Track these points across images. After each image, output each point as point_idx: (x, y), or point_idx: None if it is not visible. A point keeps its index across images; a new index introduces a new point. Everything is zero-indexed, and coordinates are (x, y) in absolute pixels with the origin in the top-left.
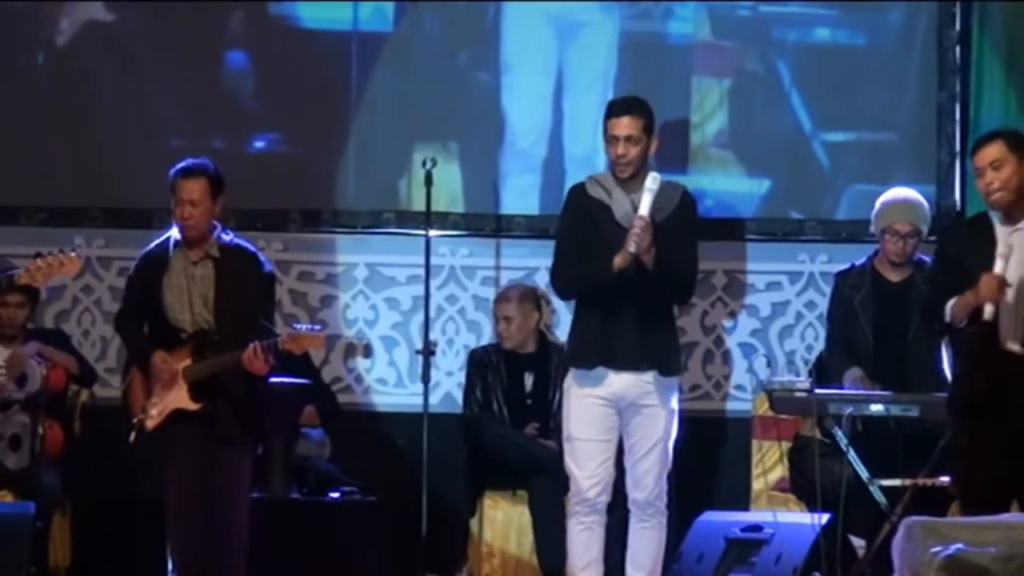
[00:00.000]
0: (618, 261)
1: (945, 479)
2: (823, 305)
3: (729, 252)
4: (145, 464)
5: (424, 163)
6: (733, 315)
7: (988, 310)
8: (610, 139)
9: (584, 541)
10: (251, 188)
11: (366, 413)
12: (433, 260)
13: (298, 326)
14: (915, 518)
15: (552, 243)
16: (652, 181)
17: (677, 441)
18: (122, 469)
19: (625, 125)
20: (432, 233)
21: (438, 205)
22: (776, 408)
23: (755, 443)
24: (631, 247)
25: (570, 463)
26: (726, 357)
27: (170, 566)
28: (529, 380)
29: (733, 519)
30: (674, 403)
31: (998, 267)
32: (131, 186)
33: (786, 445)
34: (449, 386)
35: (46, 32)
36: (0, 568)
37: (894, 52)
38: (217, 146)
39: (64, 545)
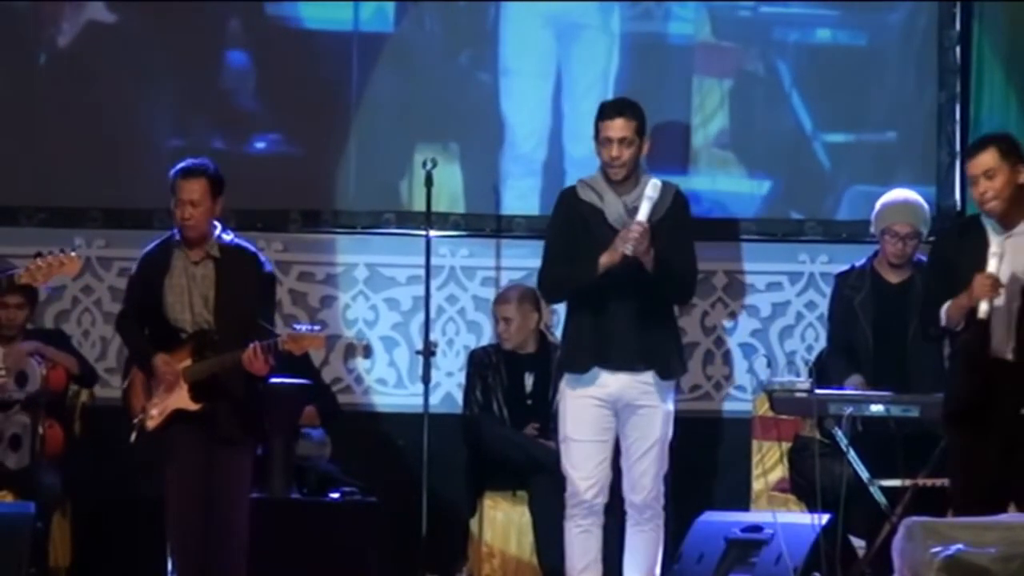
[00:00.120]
0: (604, 260)
1: (945, 480)
2: (823, 305)
3: (729, 252)
4: (145, 464)
5: (424, 164)
6: (733, 315)
7: (983, 308)
8: (603, 141)
9: (582, 543)
10: (251, 188)
11: (366, 413)
12: (433, 260)
13: (298, 327)
14: (915, 518)
15: None
16: (652, 189)
17: (672, 442)
18: (122, 469)
19: (619, 127)
20: (432, 233)
21: (439, 206)
22: (776, 408)
23: (755, 443)
24: (628, 249)
25: (566, 464)
26: (726, 357)
27: (170, 566)
28: (529, 380)
29: (733, 519)
30: (670, 404)
31: (991, 266)
32: (131, 186)
33: (786, 445)
34: (449, 386)
35: (47, 32)
36: (0, 568)
37: (894, 53)
38: (217, 146)
39: (64, 545)
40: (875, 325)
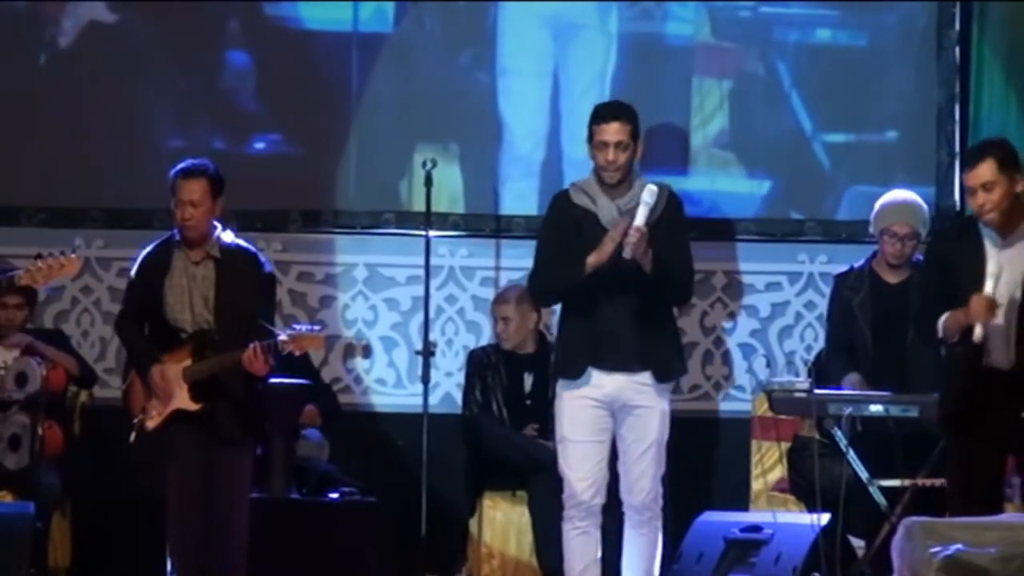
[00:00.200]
0: (592, 260)
1: (944, 480)
2: (823, 306)
3: (729, 253)
4: (145, 464)
5: (424, 164)
6: (733, 316)
7: (978, 332)
8: (599, 145)
9: (581, 545)
10: (251, 189)
11: (365, 414)
12: (433, 261)
13: (298, 327)
14: (914, 518)
15: None
16: (649, 194)
17: (669, 442)
18: (122, 469)
19: (615, 131)
20: (432, 234)
21: (438, 206)
22: (775, 408)
23: (754, 443)
24: (627, 253)
25: (563, 466)
26: (726, 357)
27: (170, 566)
28: (528, 381)
29: (732, 519)
30: (667, 404)
31: (988, 288)
32: (131, 187)
33: (785, 445)
34: (448, 387)
35: (48, 32)
36: (0, 568)
37: (894, 53)
38: (217, 147)
39: (64, 545)
40: (874, 325)
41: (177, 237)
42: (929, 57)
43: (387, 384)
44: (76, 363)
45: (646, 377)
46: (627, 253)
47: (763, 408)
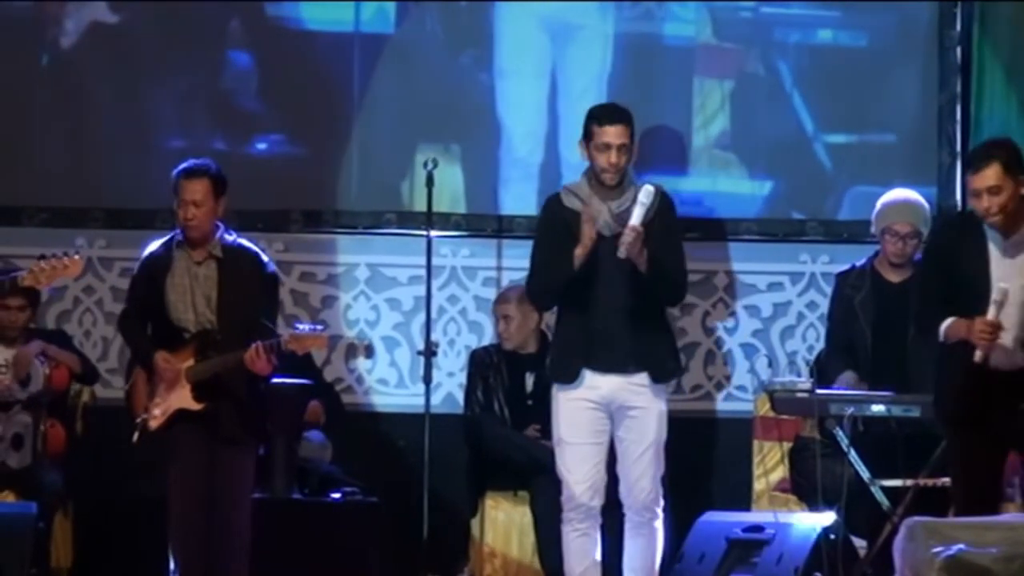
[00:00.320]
0: (578, 252)
1: (946, 480)
2: (824, 305)
3: (730, 253)
4: (147, 464)
5: (426, 164)
6: (734, 316)
7: (979, 356)
8: (600, 147)
9: (580, 547)
10: (252, 189)
11: (367, 414)
12: (434, 261)
13: (300, 326)
14: (916, 518)
15: None
16: (646, 195)
17: (669, 442)
18: (124, 469)
19: (618, 133)
20: (433, 234)
21: (440, 206)
22: (777, 409)
23: (756, 443)
24: (621, 253)
25: (562, 468)
26: (727, 357)
27: (172, 566)
28: (530, 381)
29: (734, 519)
30: (664, 404)
31: (991, 314)
32: (133, 187)
33: (787, 445)
34: (450, 387)
35: (50, 33)
36: (2, 568)
37: (895, 53)
38: (219, 147)
39: (66, 545)
40: (875, 325)
41: (180, 237)
42: (930, 57)
43: (389, 384)
44: (78, 360)
45: (642, 378)
46: (622, 252)
47: (765, 408)
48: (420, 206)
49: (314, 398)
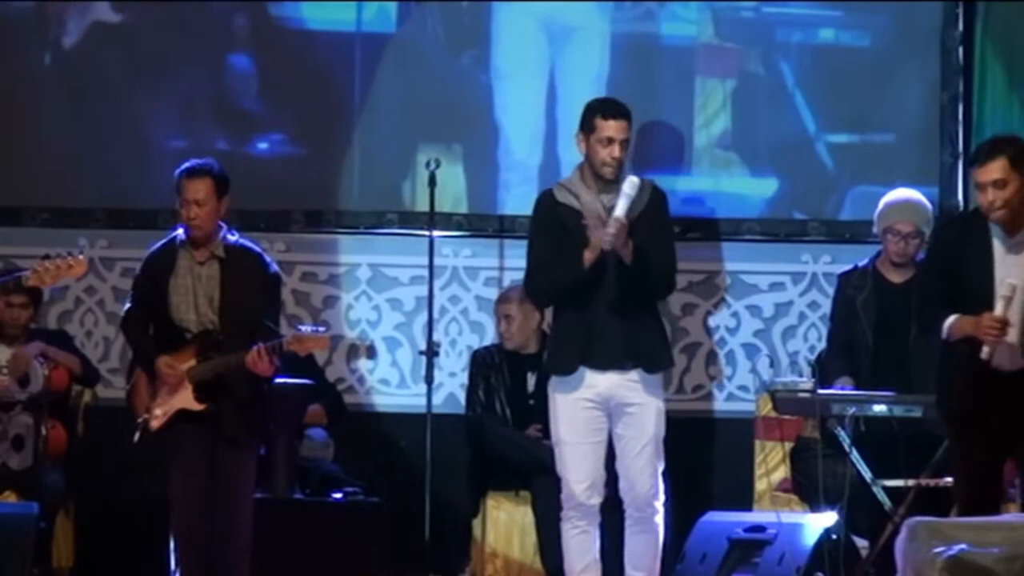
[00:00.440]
0: (588, 255)
1: (948, 480)
2: (826, 306)
3: (732, 253)
4: (149, 464)
5: (427, 164)
6: (736, 316)
7: (986, 351)
8: (604, 140)
9: (580, 544)
10: (254, 189)
11: (369, 414)
12: (436, 261)
13: (303, 327)
14: (918, 518)
15: None
16: (630, 186)
17: (671, 442)
18: (125, 469)
19: (622, 128)
20: (435, 234)
21: (442, 206)
22: (779, 409)
23: (758, 443)
24: (606, 244)
25: (561, 467)
26: (729, 357)
27: (173, 566)
28: (532, 380)
29: (736, 519)
30: (661, 400)
31: (998, 310)
32: (134, 187)
33: (789, 445)
34: (452, 387)
35: (53, 33)
36: (4, 569)
37: (897, 53)
38: (220, 147)
39: (67, 546)
40: (877, 325)
41: (182, 237)
42: (932, 57)
43: (391, 384)
44: (79, 362)
45: (638, 374)
46: (606, 244)
47: (767, 408)
48: (422, 206)
49: (316, 398)
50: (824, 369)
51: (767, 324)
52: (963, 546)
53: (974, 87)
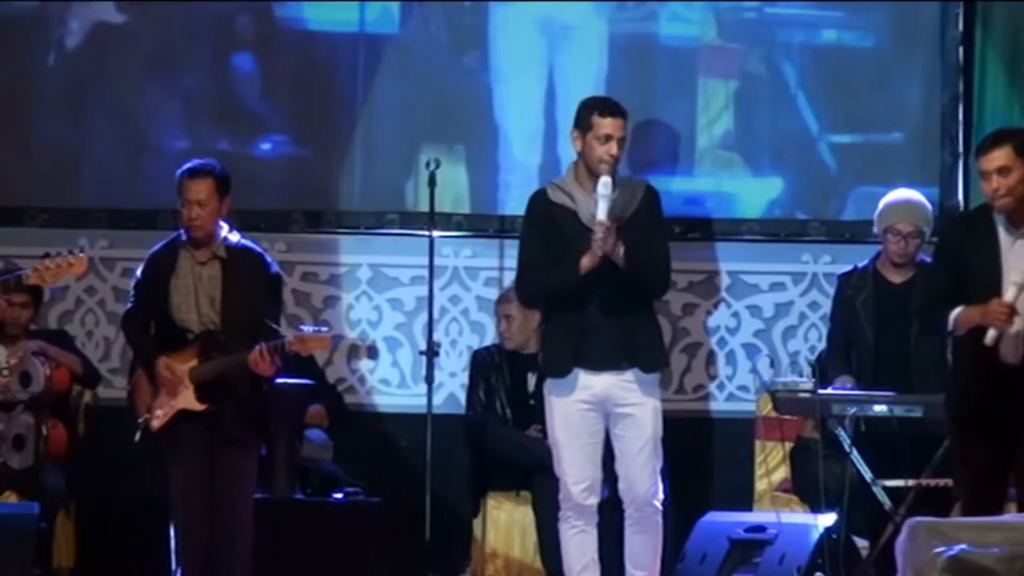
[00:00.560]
0: (585, 262)
1: (948, 480)
2: (826, 306)
3: (732, 253)
4: (150, 464)
5: (427, 164)
6: (736, 316)
7: (991, 336)
8: (601, 138)
9: (579, 545)
10: (255, 189)
11: (369, 414)
12: (436, 261)
13: (305, 327)
14: (919, 519)
15: None
16: (604, 187)
17: (672, 442)
18: (126, 470)
19: (620, 126)
20: (435, 234)
21: (444, 206)
22: (779, 409)
23: (758, 444)
24: (595, 250)
25: (558, 468)
26: (729, 358)
27: (174, 566)
28: (532, 380)
29: (736, 519)
30: (657, 399)
31: (1009, 295)
32: (135, 187)
33: (789, 446)
34: (452, 387)
35: (56, 33)
36: (4, 569)
37: (898, 53)
38: (222, 147)
39: (68, 546)
40: (877, 325)
41: (183, 237)
42: (933, 57)
43: (391, 384)
44: (80, 362)
45: (633, 374)
46: (596, 250)
47: (767, 408)
48: (424, 206)
49: (317, 399)
50: (824, 369)
51: (767, 324)
52: (963, 546)
53: (974, 87)
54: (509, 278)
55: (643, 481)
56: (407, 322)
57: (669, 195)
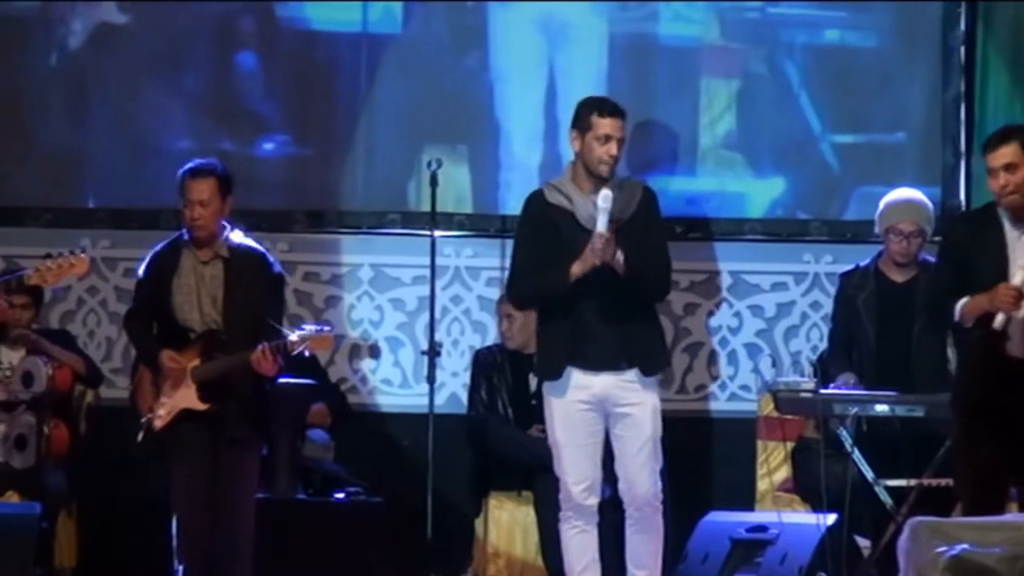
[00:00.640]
0: (576, 269)
1: (950, 480)
2: (828, 306)
3: (734, 253)
4: (152, 464)
5: (429, 164)
6: (738, 315)
7: (999, 320)
8: (601, 138)
9: (579, 545)
10: (257, 189)
11: (371, 414)
12: (438, 261)
13: (307, 327)
14: (920, 518)
15: None
16: (604, 200)
17: (673, 442)
18: (128, 470)
19: (620, 126)
20: (437, 234)
21: (446, 206)
22: (781, 408)
23: (760, 443)
24: (596, 261)
25: (558, 469)
26: (731, 357)
27: (176, 566)
28: (534, 380)
29: (738, 519)
30: (656, 399)
31: (1017, 279)
32: (137, 187)
33: (791, 445)
34: (454, 387)
35: (58, 33)
36: (6, 569)
37: (900, 53)
38: (224, 147)
39: (70, 546)
40: (879, 324)
41: (186, 237)
42: (935, 57)
43: (393, 384)
44: (83, 362)
45: (633, 374)
46: (596, 260)
47: (769, 408)
48: (426, 206)
49: (319, 398)
50: (826, 369)
51: (769, 324)
52: (965, 546)
53: (976, 87)
54: None
55: (643, 481)
56: (409, 322)
57: (671, 195)
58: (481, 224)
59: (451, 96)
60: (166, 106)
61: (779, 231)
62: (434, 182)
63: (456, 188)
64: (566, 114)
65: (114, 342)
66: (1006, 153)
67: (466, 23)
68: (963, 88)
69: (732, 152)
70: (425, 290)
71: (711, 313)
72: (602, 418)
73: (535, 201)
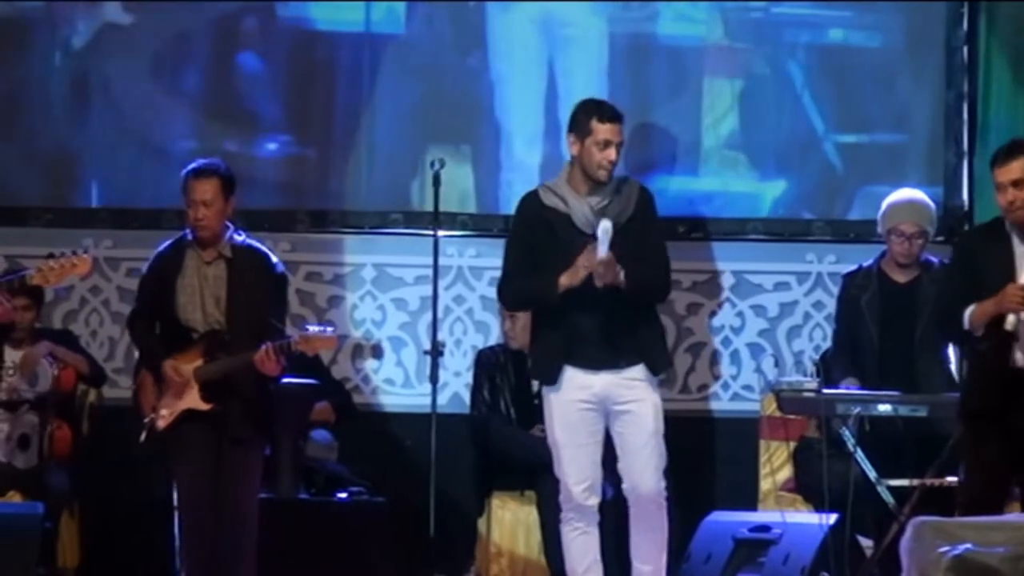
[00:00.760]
0: (564, 281)
1: (953, 479)
2: (831, 305)
3: (737, 252)
4: (155, 464)
5: (432, 164)
6: (741, 315)
7: (1010, 320)
8: (600, 143)
9: (581, 545)
10: (259, 189)
11: (374, 414)
12: (441, 260)
13: (311, 327)
14: (923, 518)
15: None
16: (603, 232)
17: (676, 441)
18: (131, 469)
19: (618, 131)
20: (440, 234)
21: (450, 206)
22: (784, 408)
23: (763, 443)
24: (597, 283)
25: (558, 469)
26: (734, 357)
27: (178, 566)
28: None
29: (741, 519)
30: (657, 396)
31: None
32: (139, 187)
33: (794, 445)
34: (457, 387)
35: (63, 33)
36: (9, 568)
37: (903, 53)
38: (228, 147)
39: (73, 545)
40: (882, 325)
41: (189, 237)
42: (938, 57)
43: (395, 384)
44: (86, 362)
45: (636, 372)
46: (599, 283)
47: (771, 408)
48: (428, 206)
49: (323, 398)
50: (829, 369)
51: (772, 324)
52: (968, 546)
53: (979, 86)
54: None
55: (647, 478)
56: (411, 322)
57: (674, 195)
58: (484, 224)
59: (454, 96)
60: (169, 106)
61: (782, 231)
62: (437, 182)
63: (459, 188)
64: (567, 114)
65: (116, 342)
66: (1014, 168)
67: (469, 23)
68: (966, 88)
69: (735, 152)
70: (428, 290)
71: (714, 313)
72: (602, 417)
73: (530, 202)
